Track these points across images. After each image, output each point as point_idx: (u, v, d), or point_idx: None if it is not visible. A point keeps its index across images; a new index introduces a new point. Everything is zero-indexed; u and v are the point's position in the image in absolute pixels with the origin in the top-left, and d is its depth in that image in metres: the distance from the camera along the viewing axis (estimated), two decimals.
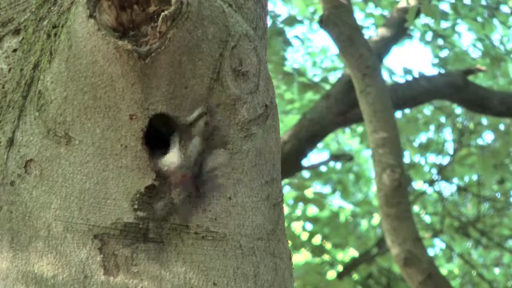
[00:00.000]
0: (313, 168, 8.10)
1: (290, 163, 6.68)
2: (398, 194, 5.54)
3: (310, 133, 6.73)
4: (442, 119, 8.54)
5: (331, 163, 8.56)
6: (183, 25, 1.60)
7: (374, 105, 5.69)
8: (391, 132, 5.67)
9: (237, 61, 1.69)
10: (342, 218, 8.61)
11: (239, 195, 1.68)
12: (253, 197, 1.69)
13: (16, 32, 1.81)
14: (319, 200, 8.01)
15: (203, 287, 1.61)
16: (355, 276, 8.40)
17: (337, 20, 5.90)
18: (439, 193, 8.71)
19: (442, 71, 8.03)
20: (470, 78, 7.10)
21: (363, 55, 5.82)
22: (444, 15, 7.39)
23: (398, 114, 7.91)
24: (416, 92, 6.94)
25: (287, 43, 7.35)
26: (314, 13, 8.45)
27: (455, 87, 6.89)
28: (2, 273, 1.63)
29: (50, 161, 1.66)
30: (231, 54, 1.68)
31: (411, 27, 7.01)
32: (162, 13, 1.59)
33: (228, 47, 1.67)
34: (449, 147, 8.63)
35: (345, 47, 5.90)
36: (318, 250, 8.19)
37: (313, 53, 8.99)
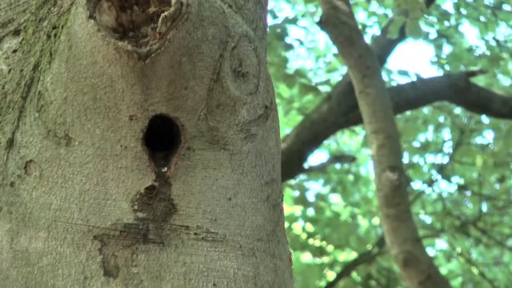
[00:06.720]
0: (315, 170, 8.08)
1: (292, 164, 6.67)
2: (398, 195, 5.54)
3: (312, 134, 6.72)
4: (441, 119, 8.54)
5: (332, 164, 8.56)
6: (183, 26, 1.60)
7: (374, 105, 5.69)
8: (391, 132, 5.67)
9: (237, 62, 1.69)
10: (342, 218, 8.60)
11: (239, 196, 1.68)
12: (253, 198, 1.69)
13: (16, 33, 1.81)
14: (318, 205, 8.00)
15: None
16: (355, 276, 8.39)
17: (336, 20, 5.89)
18: (439, 193, 8.71)
19: (441, 70, 8.04)
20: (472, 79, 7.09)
21: (362, 55, 5.82)
22: (446, 15, 7.39)
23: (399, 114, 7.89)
24: (419, 94, 6.94)
25: (288, 46, 7.33)
26: (314, 13, 8.44)
27: (457, 89, 6.89)
28: (2, 273, 1.63)
29: (50, 162, 1.65)
30: (231, 55, 1.68)
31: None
32: (162, 14, 1.59)
33: (228, 48, 1.67)
34: (448, 146, 8.62)
35: (345, 47, 5.89)
36: (318, 252, 8.18)
37: (315, 48, 8.96)
